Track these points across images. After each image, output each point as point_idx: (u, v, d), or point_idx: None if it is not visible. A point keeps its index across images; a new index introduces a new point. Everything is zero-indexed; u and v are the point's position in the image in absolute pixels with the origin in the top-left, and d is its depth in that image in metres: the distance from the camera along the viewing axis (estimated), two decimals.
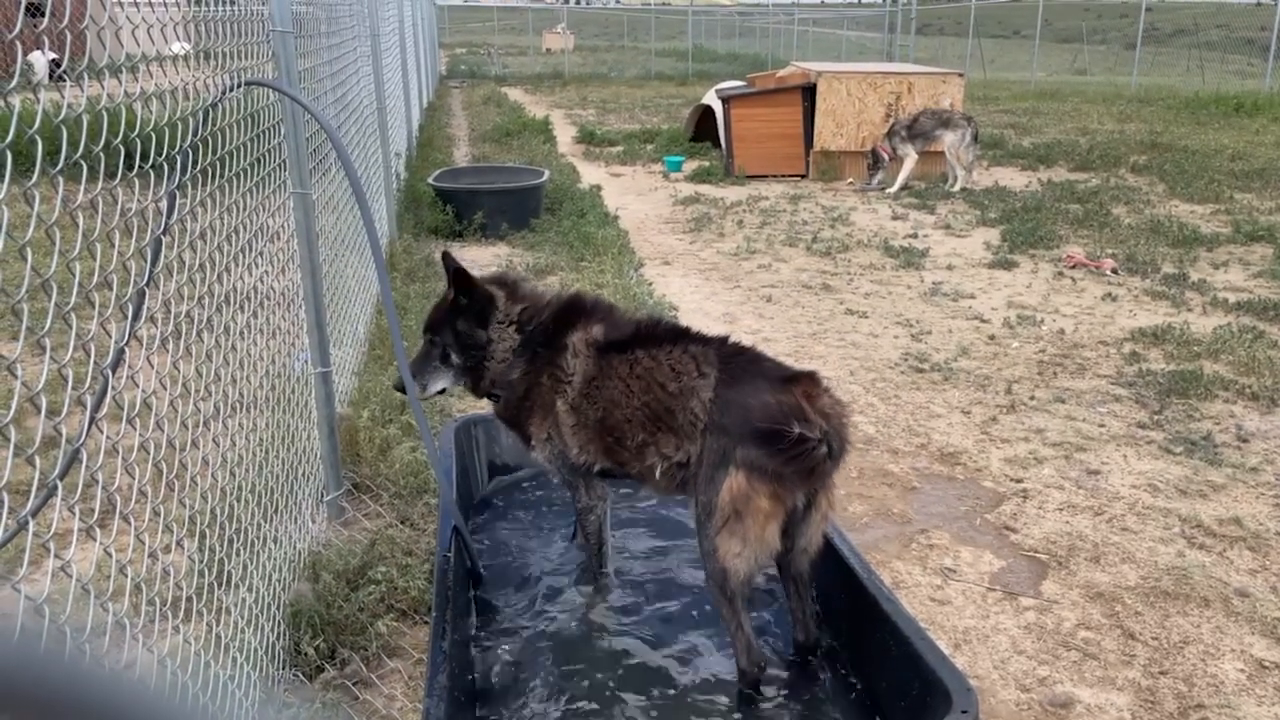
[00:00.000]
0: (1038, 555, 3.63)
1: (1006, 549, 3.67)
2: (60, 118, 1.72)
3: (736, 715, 2.47)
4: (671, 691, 2.55)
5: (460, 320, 2.81)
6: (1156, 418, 4.83)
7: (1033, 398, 5.11)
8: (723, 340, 2.64)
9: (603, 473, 2.83)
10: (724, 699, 2.52)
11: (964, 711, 2.06)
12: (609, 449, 2.70)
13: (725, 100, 12.05)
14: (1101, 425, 4.77)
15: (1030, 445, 4.55)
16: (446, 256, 2.83)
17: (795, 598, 2.65)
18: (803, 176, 11.96)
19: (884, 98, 11.59)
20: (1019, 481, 4.21)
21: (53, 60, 7.40)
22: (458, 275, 2.78)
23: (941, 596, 3.37)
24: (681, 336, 2.66)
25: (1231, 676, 2.96)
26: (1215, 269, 7.69)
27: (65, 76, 1.83)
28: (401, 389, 2.85)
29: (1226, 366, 5.49)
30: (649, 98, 23.21)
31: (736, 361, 2.55)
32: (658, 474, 2.60)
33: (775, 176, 11.90)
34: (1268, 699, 2.86)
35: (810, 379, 2.44)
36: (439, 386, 2.90)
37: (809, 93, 11.79)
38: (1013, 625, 3.21)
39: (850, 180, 11.71)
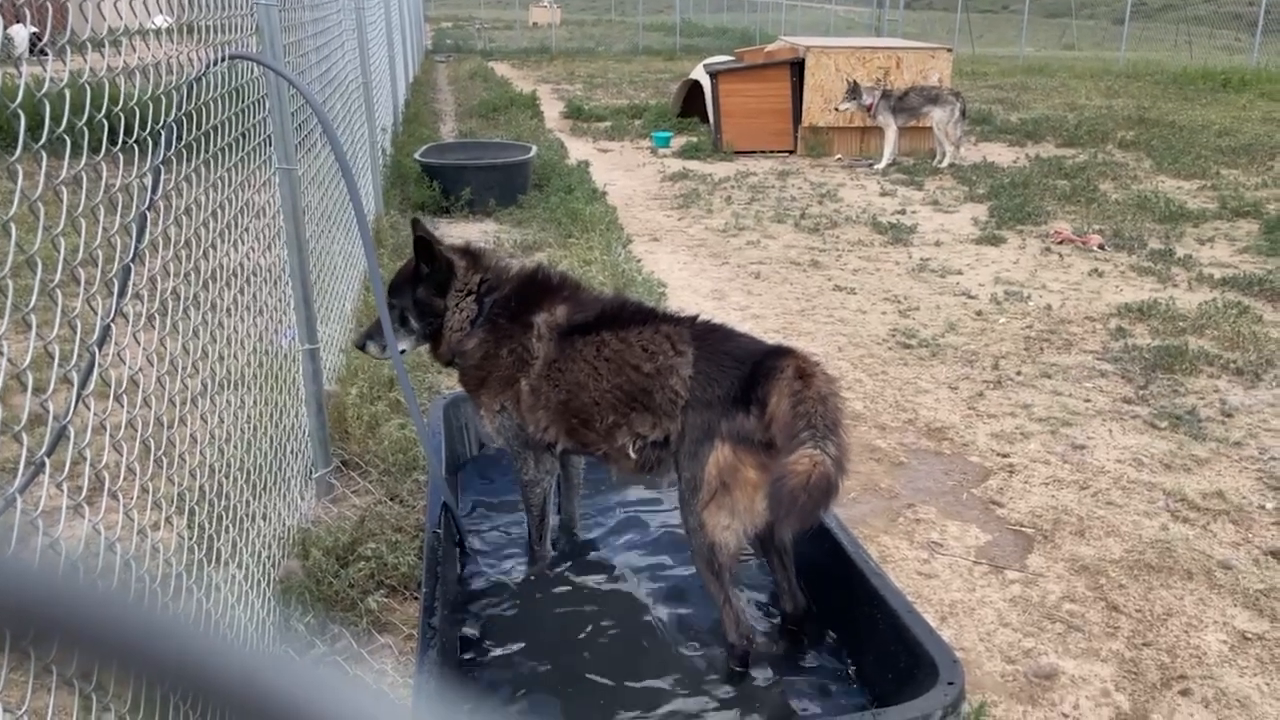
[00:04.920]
0: (1023, 529, 3.66)
1: (993, 523, 3.70)
2: (43, 92, 1.70)
3: (726, 689, 2.49)
4: (660, 664, 2.57)
5: (420, 287, 2.83)
6: (1142, 392, 4.86)
7: (1019, 373, 5.14)
8: (693, 319, 2.64)
9: (564, 452, 2.84)
10: (713, 673, 2.54)
11: (950, 683, 2.09)
12: (573, 430, 2.69)
13: (713, 75, 11.98)
14: (1087, 400, 4.80)
15: (1017, 420, 4.58)
16: (416, 224, 2.85)
17: (780, 569, 2.67)
18: (791, 152, 11.92)
19: (873, 73, 11.54)
20: (1005, 456, 4.23)
21: (33, 34, 7.29)
22: (420, 243, 2.79)
23: (928, 570, 3.40)
24: (650, 317, 2.65)
25: (1214, 648, 3.00)
26: (1201, 244, 7.72)
27: (46, 50, 1.81)
28: (361, 347, 2.97)
29: (1211, 341, 5.53)
30: (636, 72, 23.04)
31: (712, 339, 2.55)
32: (630, 454, 2.60)
33: (763, 152, 11.85)
34: (1249, 670, 2.90)
35: (792, 355, 2.43)
36: (399, 348, 2.91)
37: (797, 68, 11.73)
38: (998, 598, 3.24)
39: (839, 156, 11.69)
